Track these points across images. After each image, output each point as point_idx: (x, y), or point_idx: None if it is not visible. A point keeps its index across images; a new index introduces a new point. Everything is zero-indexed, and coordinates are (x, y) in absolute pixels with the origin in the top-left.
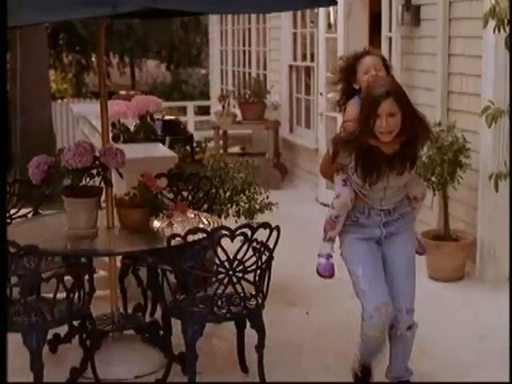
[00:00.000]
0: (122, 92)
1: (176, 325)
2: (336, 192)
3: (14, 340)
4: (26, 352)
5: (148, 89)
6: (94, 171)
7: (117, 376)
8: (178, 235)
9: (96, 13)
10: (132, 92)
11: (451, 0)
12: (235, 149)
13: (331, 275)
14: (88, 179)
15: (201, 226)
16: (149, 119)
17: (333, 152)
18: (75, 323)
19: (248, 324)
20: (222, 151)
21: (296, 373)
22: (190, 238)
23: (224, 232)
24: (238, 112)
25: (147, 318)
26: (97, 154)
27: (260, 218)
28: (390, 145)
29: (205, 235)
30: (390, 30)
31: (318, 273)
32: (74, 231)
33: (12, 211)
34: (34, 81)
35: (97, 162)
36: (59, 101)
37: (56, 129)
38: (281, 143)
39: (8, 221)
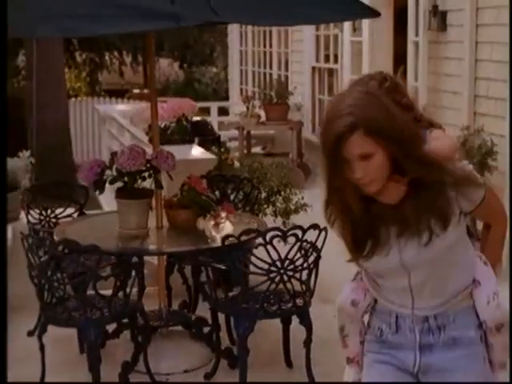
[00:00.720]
0: (136, 90)
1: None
2: None
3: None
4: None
5: (161, 87)
6: (146, 174)
7: (166, 370)
8: (233, 236)
9: (159, 26)
10: (145, 90)
11: (478, 6)
12: (257, 149)
13: None
14: (140, 181)
15: (246, 226)
16: (184, 121)
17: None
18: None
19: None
20: (245, 151)
21: (333, 367)
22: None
23: (277, 233)
24: (261, 113)
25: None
26: (148, 157)
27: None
28: (391, 190)
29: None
30: (417, 35)
31: None
32: (125, 231)
33: (57, 211)
34: (50, 78)
35: (148, 165)
36: (73, 99)
37: (70, 126)
38: (304, 143)
39: (54, 220)
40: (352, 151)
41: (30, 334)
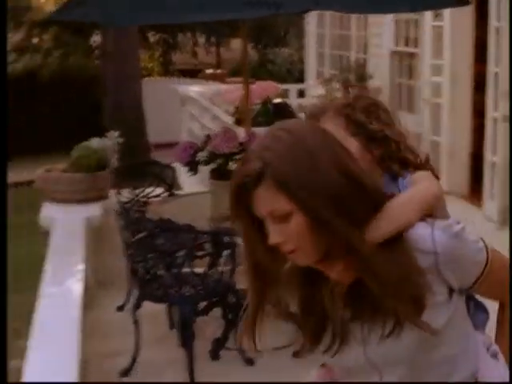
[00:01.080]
0: (209, 71)
1: None
2: None
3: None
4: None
5: (233, 68)
6: (238, 156)
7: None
8: None
9: (259, 14)
10: (219, 71)
11: None
12: None
13: None
14: (231, 163)
15: None
16: (268, 104)
17: None
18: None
19: None
20: None
21: None
22: None
23: None
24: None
25: None
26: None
27: None
28: (338, 266)
29: None
30: (499, 21)
31: None
32: (218, 211)
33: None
34: (125, 58)
35: (241, 148)
36: (145, 78)
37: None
38: None
39: (144, 200)
40: (260, 207)
41: (120, 309)
